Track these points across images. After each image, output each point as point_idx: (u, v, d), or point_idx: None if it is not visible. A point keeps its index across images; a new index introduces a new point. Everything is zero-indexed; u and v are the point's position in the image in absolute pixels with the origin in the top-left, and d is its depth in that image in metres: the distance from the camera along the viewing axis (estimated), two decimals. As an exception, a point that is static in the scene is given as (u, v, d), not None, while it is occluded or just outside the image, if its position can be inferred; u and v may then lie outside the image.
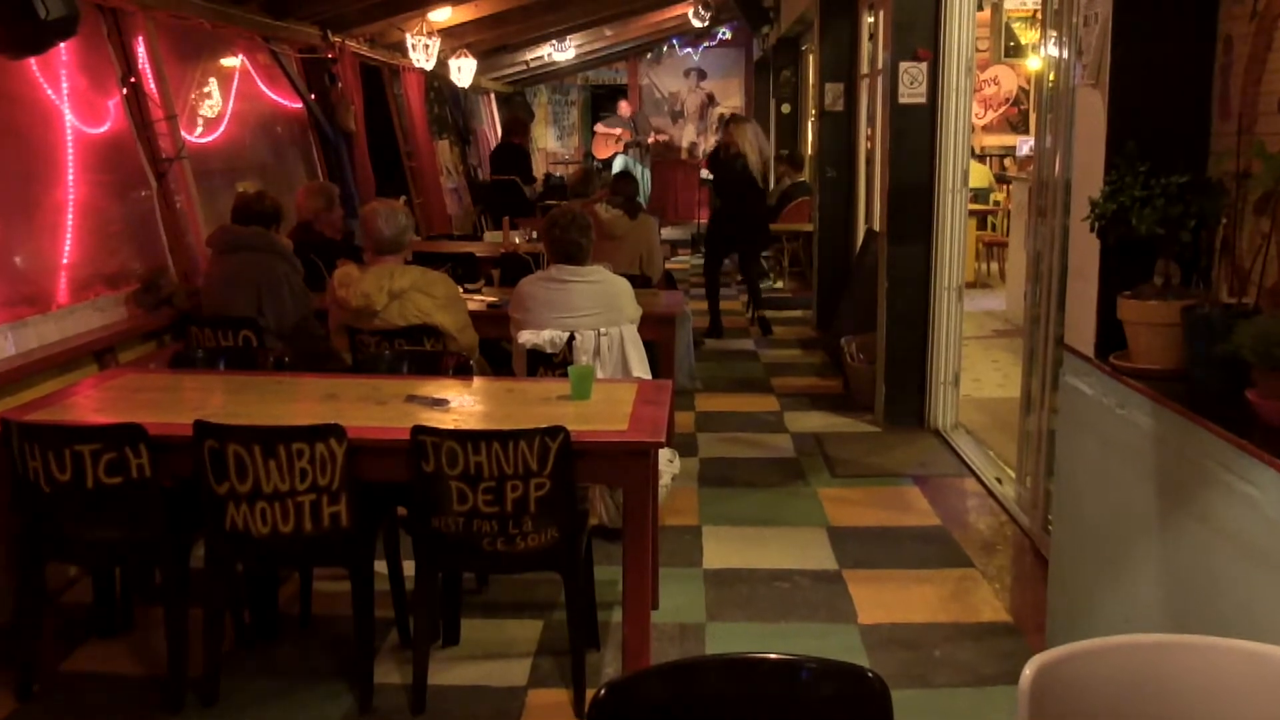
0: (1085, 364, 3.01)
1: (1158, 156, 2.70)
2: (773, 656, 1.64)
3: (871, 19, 8.06)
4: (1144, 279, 2.76)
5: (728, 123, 9.07)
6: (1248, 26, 2.64)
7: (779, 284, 11.28)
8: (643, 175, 14.61)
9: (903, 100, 5.76)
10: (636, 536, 3.17)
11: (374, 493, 3.27)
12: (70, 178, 4.63)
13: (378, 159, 8.66)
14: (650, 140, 15.84)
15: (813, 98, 10.26)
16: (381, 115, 9.38)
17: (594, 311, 4.27)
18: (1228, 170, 2.66)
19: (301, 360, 4.42)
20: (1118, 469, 2.84)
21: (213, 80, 6.15)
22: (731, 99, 16.99)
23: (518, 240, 7.43)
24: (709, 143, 15.25)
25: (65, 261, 4.58)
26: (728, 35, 16.42)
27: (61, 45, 4.07)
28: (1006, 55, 11.08)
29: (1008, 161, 11.49)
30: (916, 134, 5.78)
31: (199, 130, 5.93)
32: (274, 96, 7.03)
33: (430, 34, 8.67)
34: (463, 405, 3.47)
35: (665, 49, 16.79)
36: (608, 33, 13.61)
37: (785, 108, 13.23)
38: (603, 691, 1.56)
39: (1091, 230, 2.83)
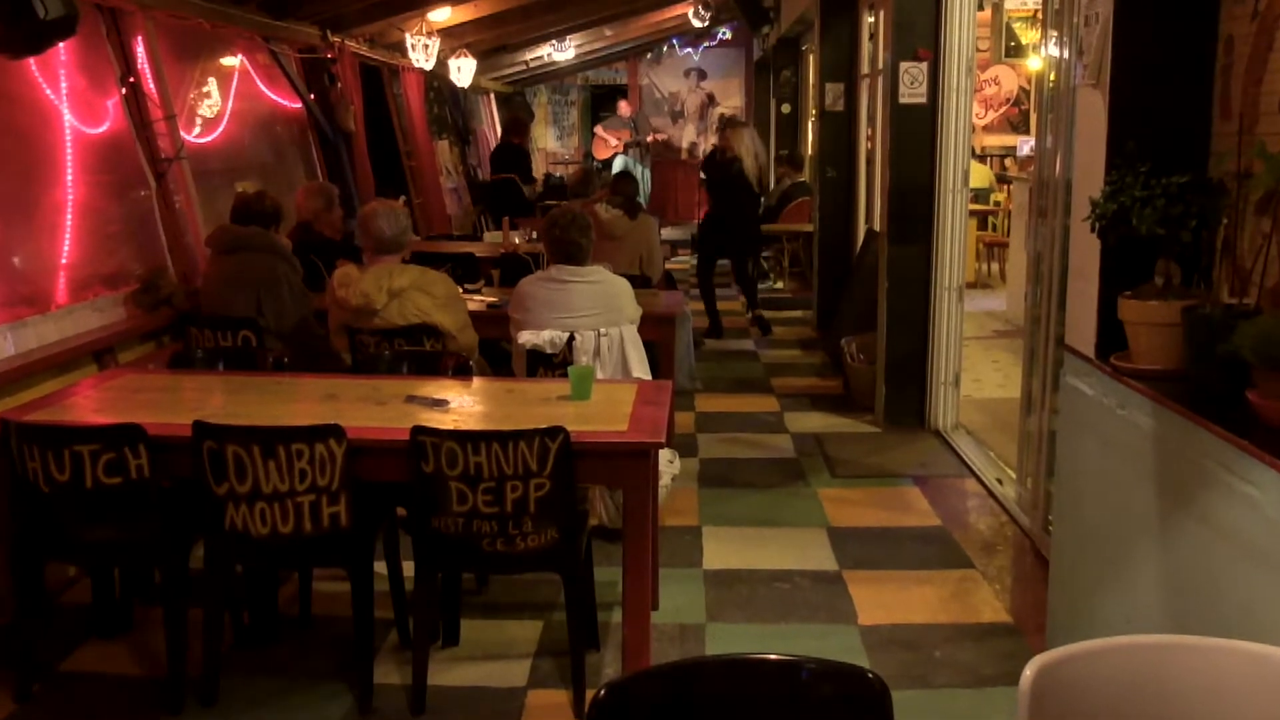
0: (1086, 364, 3.00)
1: (1158, 156, 2.70)
2: (773, 657, 1.64)
3: (872, 19, 8.06)
4: (1145, 279, 2.75)
5: (724, 127, 9.06)
6: (1248, 26, 2.63)
7: (779, 284, 11.28)
8: (643, 175, 14.62)
9: (903, 100, 5.76)
10: (636, 537, 3.17)
11: (373, 493, 3.27)
12: (69, 178, 4.63)
13: (377, 159, 8.65)
14: (650, 140, 15.84)
15: (813, 98, 10.26)
16: (381, 115, 9.38)
17: (594, 312, 4.27)
18: (1229, 170, 2.66)
19: (301, 360, 4.42)
20: (1118, 469, 2.83)
21: (212, 80, 6.15)
22: (731, 99, 16.99)
23: (517, 240, 7.43)
24: (709, 143, 15.24)
25: (64, 262, 4.57)
26: (728, 35, 16.42)
27: (60, 45, 4.06)
28: (1007, 55, 11.08)
29: (1008, 161, 11.50)
30: (917, 134, 5.78)
31: (198, 130, 5.93)
32: (273, 96, 7.03)
33: (430, 34, 8.67)
34: (462, 406, 3.47)
35: (665, 49, 16.79)
36: (608, 33, 13.61)
37: (785, 108, 13.23)
38: (602, 692, 1.56)
39: (1092, 230, 2.82)
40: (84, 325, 4.52)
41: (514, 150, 10.68)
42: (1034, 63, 10.06)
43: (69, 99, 4.63)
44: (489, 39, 10.85)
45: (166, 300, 4.99)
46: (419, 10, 8.28)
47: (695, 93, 17.17)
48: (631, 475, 3.15)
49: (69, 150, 4.63)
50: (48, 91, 4.53)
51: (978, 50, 6.18)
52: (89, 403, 3.52)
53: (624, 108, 16.02)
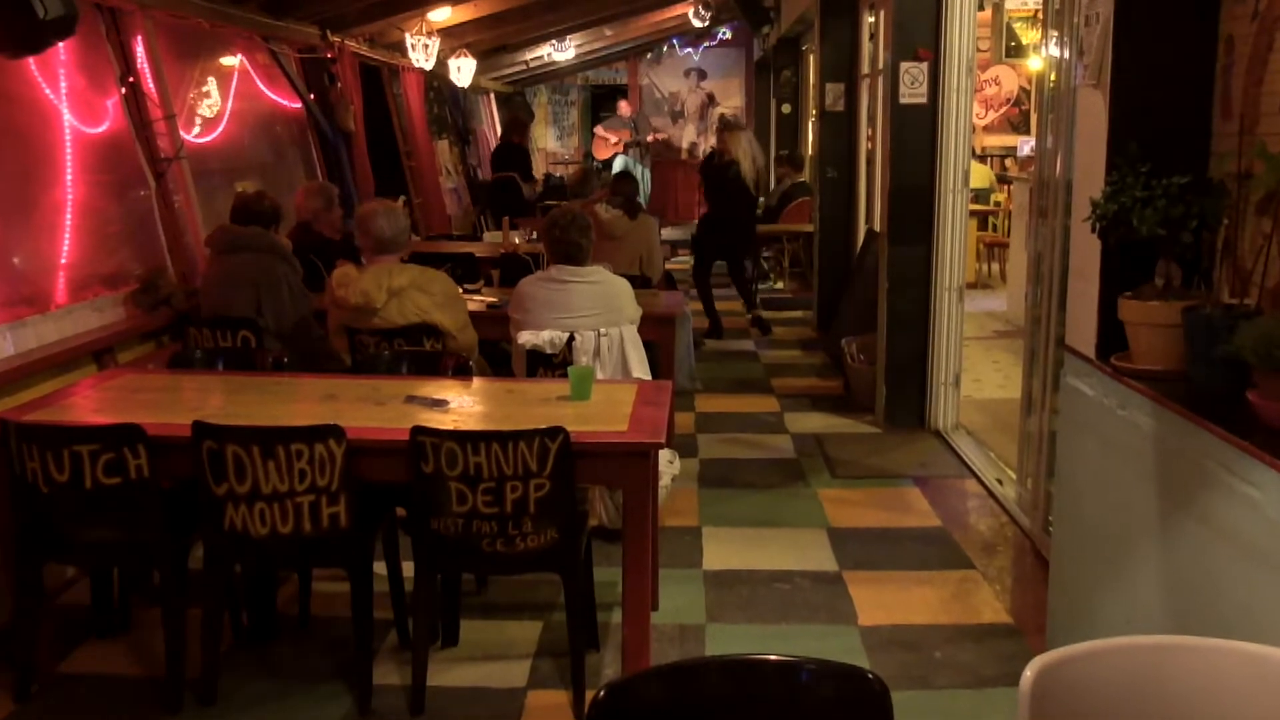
0: (1086, 365, 3.00)
1: (1159, 157, 2.70)
2: (773, 658, 1.64)
3: (872, 19, 8.06)
4: (1145, 280, 2.75)
5: (721, 129, 9.06)
6: (1249, 27, 2.63)
7: (779, 284, 11.28)
8: (643, 175, 14.62)
9: (903, 100, 5.75)
10: (636, 537, 3.16)
11: (373, 493, 3.27)
12: (69, 177, 4.62)
13: (377, 159, 8.65)
14: (650, 140, 15.83)
15: (813, 98, 10.26)
16: (381, 115, 9.37)
17: (594, 312, 4.27)
18: (1229, 171, 2.66)
19: (300, 360, 4.42)
20: (1118, 470, 2.83)
21: (211, 80, 6.15)
22: (732, 99, 16.99)
23: (517, 240, 7.43)
24: (709, 143, 15.25)
25: (64, 261, 4.57)
26: (728, 35, 16.43)
27: (60, 45, 4.06)
28: (1007, 55, 11.09)
29: (1009, 162, 11.50)
30: (917, 134, 5.77)
31: (198, 130, 5.92)
32: (273, 96, 7.03)
33: (430, 34, 8.66)
34: (462, 406, 3.46)
35: (665, 49, 16.79)
36: (608, 33, 13.61)
37: (786, 108, 13.23)
38: (602, 693, 1.56)
39: (1093, 231, 2.82)
40: (83, 325, 4.52)
41: (514, 150, 10.68)
42: (1034, 63, 10.07)
43: (68, 99, 4.63)
44: (489, 39, 10.85)
45: (166, 300, 4.99)
46: (419, 10, 8.27)
47: (695, 93, 17.17)
48: (631, 475, 3.15)
49: (68, 150, 4.63)
50: (47, 91, 4.52)
51: (978, 50, 6.17)
52: (88, 403, 3.51)
53: (624, 108, 16.02)
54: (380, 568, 3.47)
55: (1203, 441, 2.36)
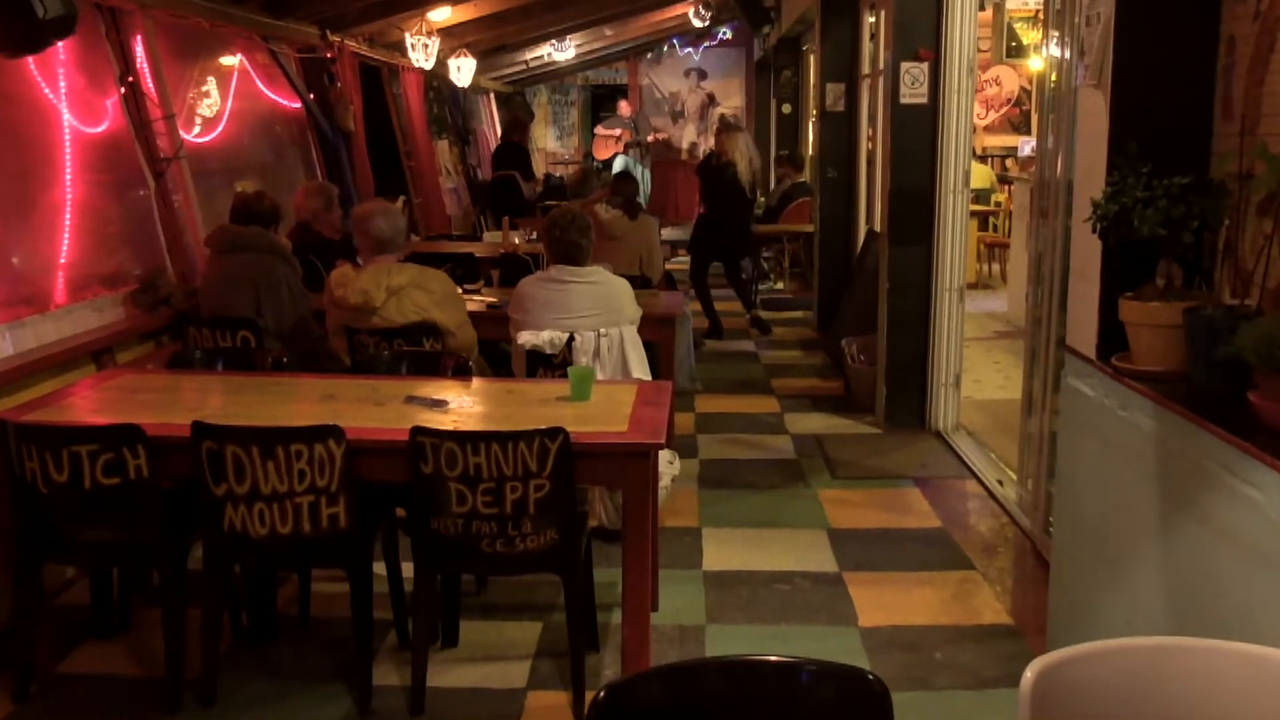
0: (1087, 365, 3.00)
1: (1160, 157, 2.69)
2: (773, 659, 1.64)
3: (873, 19, 8.06)
4: (1146, 280, 2.75)
5: (720, 130, 9.07)
6: (1250, 27, 2.63)
7: (779, 285, 11.28)
8: (643, 175, 14.62)
9: (904, 100, 5.75)
10: (636, 538, 3.16)
11: (373, 494, 3.27)
12: (68, 177, 4.62)
13: (377, 159, 8.65)
14: (650, 140, 15.83)
15: (814, 98, 10.26)
16: (380, 115, 9.37)
17: (594, 312, 4.26)
18: (1230, 171, 2.65)
19: (300, 361, 4.41)
20: (1119, 471, 2.83)
21: (211, 80, 6.14)
22: (732, 99, 16.99)
23: (517, 240, 7.43)
24: (709, 144, 15.25)
25: (63, 261, 4.56)
26: (728, 35, 16.42)
27: (59, 44, 4.05)
28: (1008, 55, 11.09)
29: (1009, 162, 11.50)
30: (918, 134, 5.77)
31: (197, 130, 5.92)
32: (273, 96, 7.02)
33: (429, 33, 8.66)
34: (462, 406, 3.46)
35: (665, 49, 16.79)
36: (608, 32, 13.60)
37: (786, 108, 13.22)
38: (602, 693, 1.55)
39: (1093, 231, 2.82)
40: (82, 325, 4.52)
41: (515, 149, 10.68)
42: (1035, 63, 10.06)
43: (68, 98, 4.62)
44: (489, 39, 10.84)
45: (165, 300, 4.98)
46: (419, 10, 8.27)
47: (695, 93, 17.17)
48: (631, 476, 3.14)
49: (68, 150, 4.63)
50: (46, 91, 4.52)
51: (979, 50, 6.17)
52: (87, 403, 3.51)
53: (624, 108, 16.02)
54: (380, 568, 3.47)
55: (1203, 442, 2.35)
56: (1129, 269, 2.82)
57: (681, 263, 10.69)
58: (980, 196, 9.94)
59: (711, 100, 16.94)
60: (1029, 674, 1.57)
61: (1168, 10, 2.81)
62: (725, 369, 7.61)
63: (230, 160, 6.38)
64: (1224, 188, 2.66)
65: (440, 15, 8.68)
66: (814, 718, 1.61)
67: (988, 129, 11.50)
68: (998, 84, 11.12)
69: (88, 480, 3.02)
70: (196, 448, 2.99)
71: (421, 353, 4.20)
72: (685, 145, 16.84)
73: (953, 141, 5.72)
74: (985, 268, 10.64)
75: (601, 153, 15.72)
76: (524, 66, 14.34)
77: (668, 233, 10.09)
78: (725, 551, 4.33)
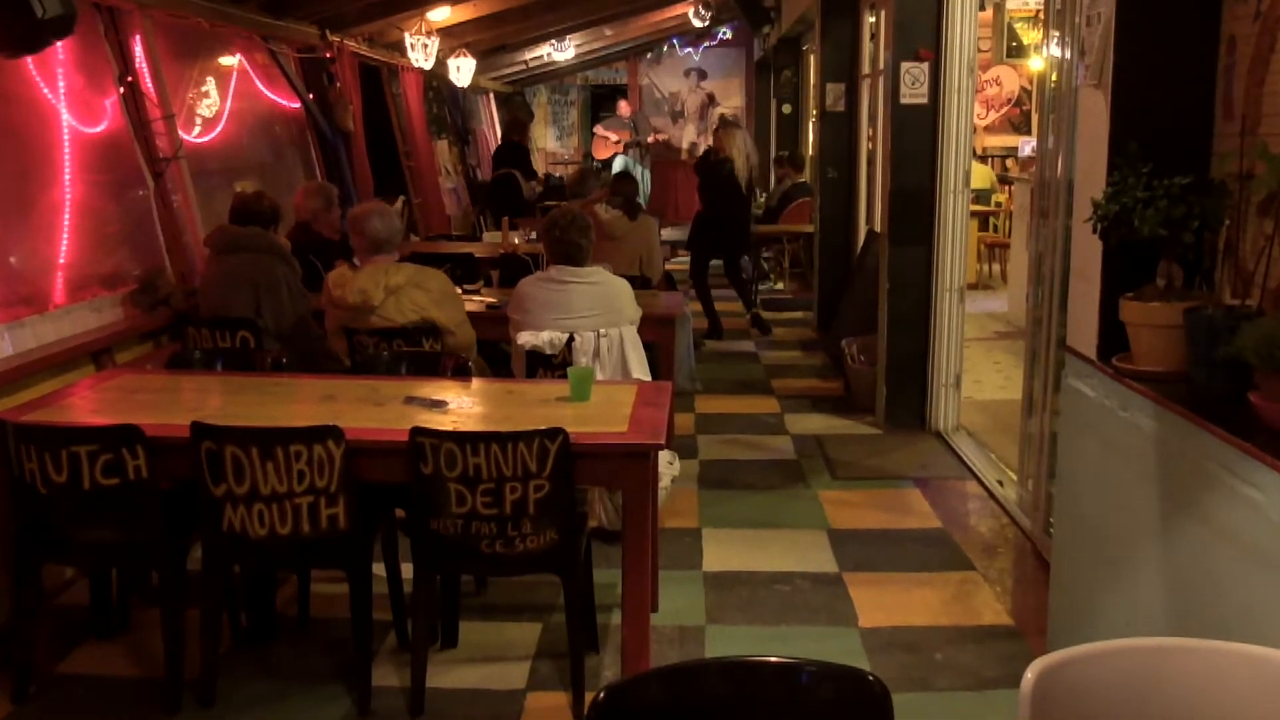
0: (1087, 366, 3.00)
1: (1160, 157, 2.69)
2: (773, 660, 1.63)
3: (873, 19, 8.06)
4: (1146, 281, 2.75)
5: (717, 127, 9.07)
6: (1251, 27, 2.62)
7: (779, 285, 11.27)
8: (642, 176, 14.61)
9: (904, 101, 5.75)
10: (636, 539, 3.16)
11: (372, 494, 3.26)
12: (67, 177, 4.62)
13: (376, 159, 8.64)
14: (650, 140, 15.83)
15: (814, 98, 10.26)
16: (380, 115, 9.37)
17: (593, 313, 4.26)
18: (1231, 171, 2.65)
19: (299, 361, 4.41)
20: (1119, 471, 2.82)
21: (210, 80, 6.14)
22: (732, 99, 16.99)
23: (517, 241, 7.42)
24: (709, 143, 15.24)
25: (62, 261, 4.56)
26: (728, 35, 16.42)
27: (58, 44, 4.05)
28: (1009, 55, 11.08)
29: (1010, 162, 11.49)
30: (918, 135, 5.77)
31: (197, 130, 5.92)
32: (272, 96, 7.02)
33: (429, 33, 8.66)
34: (461, 407, 3.46)
35: (665, 49, 16.79)
36: (608, 32, 13.60)
37: (786, 108, 13.23)
38: (602, 694, 1.55)
39: (1094, 231, 2.81)
40: (82, 325, 4.51)
41: (515, 148, 10.68)
42: (1035, 63, 10.06)
43: (67, 98, 4.62)
44: (488, 39, 10.84)
45: (164, 300, 4.98)
46: (418, 10, 8.26)
47: (695, 93, 17.17)
48: (631, 477, 3.14)
49: (67, 150, 4.62)
50: (45, 91, 4.52)
51: (979, 50, 6.17)
52: (87, 403, 3.51)
53: (624, 108, 16.01)
54: (379, 569, 3.46)
55: (1204, 443, 2.35)
56: (1129, 269, 2.81)
57: (681, 263, 10.69)
58: (980, 197, 9.94)
59: (711, 100, 16.94)
60: (1029, 675, 1.57)
61: (1168, 10, 2.81)
62: (725, 369, 7.60)
63: (229, 160, 6.37)
64: (1224, 188, 2.66)
65: (440, 15, 8.68)
66: (814, 719, 1.60)
67: (988, 129, 11.49)
68: (998, 84, 11.12)
69: (87, 481, 3.01)
70: (196, 448, 2.99)
71: (421, 353, 4.20)
72: (685, 145, 16.84)
73: (953, 141, 5.72)
74: (986, 268, 10.63)
75: (601, 153, 15.72)
76: (524, 66, 14.34)
77: (667, 233, 10.08)
78: (725, 552, 4.32)
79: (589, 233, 4.35)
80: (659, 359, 4.94)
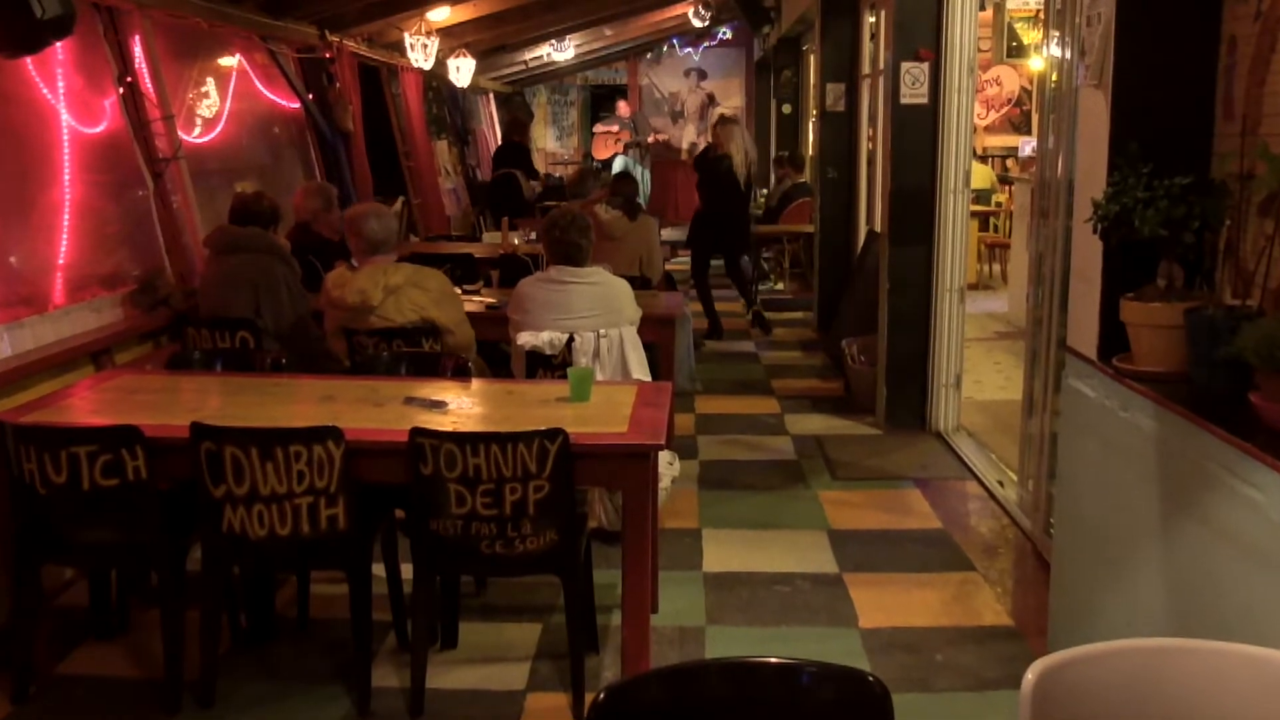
0: (1088, 366, 2.99)
1: (1161, 158, 2.69)
2: (773, 660, 1.63)
3: (873, 19, 8.05)
4: (1147, 281, 2.74)
5: (715, 124, 9.07)
6: (1252, 27, 2.62)
7: (779, 285, 11.27)
8: (642, 176, 14.61)
9: (904, 101, 5.74)
10: (636, 539, 3.15)
11: (372, 495, 3.26)
12: (66, 178, 4.61)
13: (376, 159, 8.64)
14: (650, 140, 15.83)
15: (814, 98, 10.26)
16: (379, 115, 9.37)
17: (593, 313, 4.26)
18: (1231, 172, 2.65)
19: (299, 361, 4.40)
20: (1120, 471, 2.82)
21: (210, 80, 6.14)
22: (732, 99, 16.98)
23: (516, 241, 7.42)
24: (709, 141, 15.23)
25: (61, 262, 4.56)
26: (728, 35, 16.42)
27: (57, 44, 4.04)
28: (1009, 55, 11.08)
29: (1010, 162, 11.49)
30: (918, 135, 5.76)
31: (196, 130, 5.92)
32: (271, 96, 7.02)
33: (429, 33, 8.65)
34: (461, 407, 3.45)
35: (665, 49, 16.78)
36: (607, 32, 13.60)
37: (786, 108, 13.22)
38: (602, 695, 1.55)
39: (1094, 232, 2.81)
40: (81, 326, 4.51)
41: (516, 148, 10.68)
42: (1036, 63, 10.06)
43: (66, 98, 4.62)
44: (488, 39, 10.84)
45: (164, 301, 4.98)
46: (418, 10, 8.26)
47: (695, 93, 17.16)
48: (631, 477, 3.14)
49: (66, 150, 4.62)
50: (45, 91, 4.51)
51: (979, 50, 6.16)
52: (86, 404, 3.50)
53: (623, 108, 16.01)
54: (379, 569, 3.46)
55: (1204, 443, 2.35)
56: (1130, 269, 2.81)
57: (682, 263, 10.70)
58: (981, 197, 9.94)
59: (711, 100, 16.93)
60: (1030, 675, 1.57)
61: (1169, 10, 2.80)
62: (725, 370, 7.60)
63: (229, 161, 6.37)
64: (1225, 188, 2.66)
65: (439, 15, 8.68)
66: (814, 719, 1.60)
67: (988, 129, 11.49)
68: (998, 84, 11.12)
69: (86, 481, 3.01)
70: (195, 449, 2.99)
71: (421, 354, 4.20)
72: (685, 145, 16.83)
73: (953, 141, 5.72)
74: (986, 268, 10.63)
75: (601, 153, 15.72)
76: (523, 67, 14.33)
77: (667, 233, 10.08)
78: (725, 553, 4.32)
79: (589, 233, 4.35)
80: (659, 359, 4.94)
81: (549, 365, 4.23)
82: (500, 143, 11.96)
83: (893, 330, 5.96)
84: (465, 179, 12.44)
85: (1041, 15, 8.81)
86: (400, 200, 8.86)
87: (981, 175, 10.03)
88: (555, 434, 2.94)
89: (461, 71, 10.26)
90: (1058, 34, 4.17)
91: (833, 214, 8.83)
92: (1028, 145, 10.70)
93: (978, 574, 4.12)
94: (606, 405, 3.42)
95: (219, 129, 6.15)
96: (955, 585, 4.02)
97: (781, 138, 13.61)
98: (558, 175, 14.55)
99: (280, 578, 3.85)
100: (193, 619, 3.17)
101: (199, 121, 5.97)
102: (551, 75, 16.49)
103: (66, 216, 4.60)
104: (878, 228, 7.29)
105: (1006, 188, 10.81)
